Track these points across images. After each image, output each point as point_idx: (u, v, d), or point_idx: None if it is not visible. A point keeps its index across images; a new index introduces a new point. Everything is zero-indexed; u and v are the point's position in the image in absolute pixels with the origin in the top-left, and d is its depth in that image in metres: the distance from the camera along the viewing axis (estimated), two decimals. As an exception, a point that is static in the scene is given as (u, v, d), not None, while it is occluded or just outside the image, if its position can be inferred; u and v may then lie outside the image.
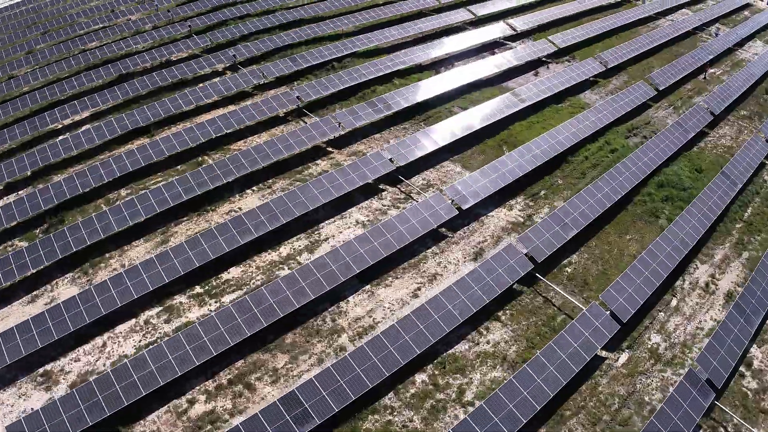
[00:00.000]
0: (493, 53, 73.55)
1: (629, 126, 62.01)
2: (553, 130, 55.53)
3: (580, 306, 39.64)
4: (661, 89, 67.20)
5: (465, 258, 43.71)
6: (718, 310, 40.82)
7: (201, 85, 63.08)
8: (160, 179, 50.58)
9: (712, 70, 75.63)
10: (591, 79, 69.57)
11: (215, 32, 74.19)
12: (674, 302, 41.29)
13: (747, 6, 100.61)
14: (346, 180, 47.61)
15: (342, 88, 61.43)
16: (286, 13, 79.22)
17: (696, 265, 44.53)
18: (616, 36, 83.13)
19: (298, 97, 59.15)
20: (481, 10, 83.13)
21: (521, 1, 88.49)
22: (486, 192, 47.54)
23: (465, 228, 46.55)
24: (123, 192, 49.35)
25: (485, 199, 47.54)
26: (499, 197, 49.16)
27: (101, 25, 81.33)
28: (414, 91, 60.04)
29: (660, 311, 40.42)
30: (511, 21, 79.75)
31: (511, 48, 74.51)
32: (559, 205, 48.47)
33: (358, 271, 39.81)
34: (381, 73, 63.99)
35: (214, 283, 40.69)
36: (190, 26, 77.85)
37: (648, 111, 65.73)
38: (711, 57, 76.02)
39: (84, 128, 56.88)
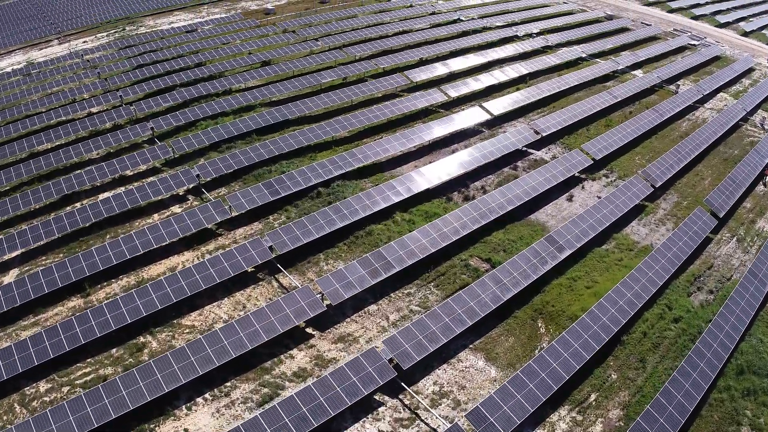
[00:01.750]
0: (515, 168, 62.91)
1: (690, 275, 50.85)
2: (604, 299, 44.13)
3: None
4: (721, 216, 57.35)
5: None
6: None
7: (156, 216, 54.40)
8: (88, 372, 38.98)
9: (769, 175, 66.38)
10: (638, 203, 58.75)
11: (180, 140, 63.97)
12: None
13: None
14: (328, 398, 35.71)
15: (328, 231, 50.13)
16: (266, 114, 68.77)
17: None
18: (655, 136, 74.53)
19: (271, 247, 47.89)
20: (496, 106, 72.91)
21: (538, 94, 78.35)
22: (522, 412, 35.66)
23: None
24: (43, 387, 37.97)
25: (522, 423, 35.61)
26: (537, 414, 37.25)
27: (57, 120, 72.77)
28: (421, 240, 48.69)
29: None
30: (535, 122, 69.48)
31: (535, 159, 64.24)
32: (615, 415, 36.83)
33: None
34: (379, 208, 52.83)
35: None
36: (152, 129, 68.01)
37: (709, 248, 54.99)
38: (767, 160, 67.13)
39: (6, 281, 46.31)
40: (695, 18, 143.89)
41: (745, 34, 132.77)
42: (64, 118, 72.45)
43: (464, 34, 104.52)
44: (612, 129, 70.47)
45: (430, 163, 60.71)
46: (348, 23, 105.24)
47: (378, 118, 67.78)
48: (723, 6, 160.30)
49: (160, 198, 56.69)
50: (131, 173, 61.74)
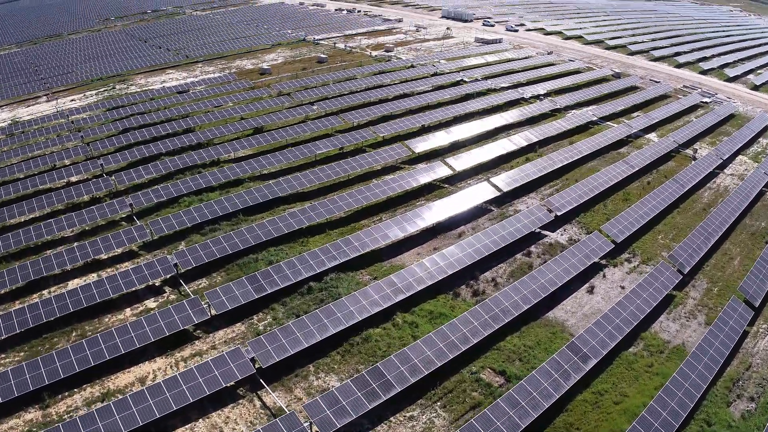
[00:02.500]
0: (528, 254, 57.87)
1: (728, 380, 45.43)
2: (637, 421, 38.38)
3: None
4: (756, 304, 52.45)
5: None
6: None
7: (128, 311, 49.42)
8: None
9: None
10: (666, 294, 53.57)
11: (159, 220, 59.35)
12: None
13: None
14: None
15: (319, 339, 44.62)
16: (255, 191, 64.23)
17: None
18: (677, 210, 70.38)
19: (253, 358, 42.34)
20: (505, 180, 68.43)
21: (550, 165, 74.06)
22: None
23: None
24: None
25: None
26: None
27: (34, 189, 69.05)
28: (426, 353, 43.04)
29: None
30: (549, 199, 64.95)
31: (550, 243, 59.35)
32: None
33: None
34: (377, 309, 47.39)
35: None
36: (131, 205, 63.43)
37: (746, 343, 49.92)
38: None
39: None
40: (703, 72, 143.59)
41: (755, 87, 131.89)
42: (41, 187, 68.93)
43: (468, 96, 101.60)
44: (632, 205, 65.94)
45: (435, 251, 55.86)
46: (346, 86, 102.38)
47: (377, 197, 63.23)
48: (730, 58, 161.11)
49: (133, 289, 51.56)
50: (105, 257, 56.81)
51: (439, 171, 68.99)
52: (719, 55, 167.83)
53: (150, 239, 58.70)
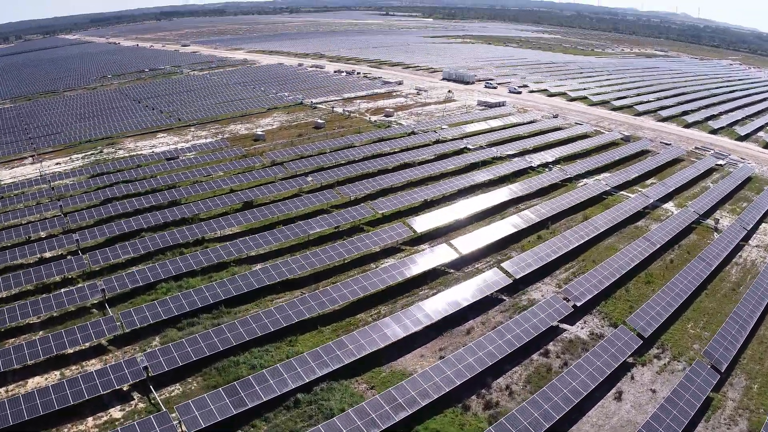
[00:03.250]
0: (546, 354, 51.97)
1: None
2: None
3: None
4: None
5: None
6: None
7: (90, 421, 43.62)
8: None
9: None
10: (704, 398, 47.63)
11: (131, 311, 53.98)
12: None
13: None
14: None
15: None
16: (239, 278, 58.72)
17: None
18: (705, 292, 64.92)
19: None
20: (518, 264, 63.14)
21: (564, 245, 69.01)
22: None
23: None
24: None
25: None
26: None
27: (4, 265, 64.91)
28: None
29: None
30: (566, 287, 59.60)
31: (570, 339, 53.65)
32: None
33: None
34: (377, 430, 41.04)
35: None
36: (104, 290, 58.51)
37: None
38: None
39: None
40: (714, 132, 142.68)
41: (767, 146, 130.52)
42: (11, 263, 64.99)
43: (473, 166, 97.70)
44: (657, 291, 60.67)
45: (440, 351, 50.06)
46: (343, 155, 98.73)
47: (375, 287, 57.70)
48: (738, 115, 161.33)
49: (98, 395, 45.58)
50: (71, 351, 51.19)
51: (443, 254, 63.74)
52: (727, 112, 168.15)
53: (121, 332, 53.09)
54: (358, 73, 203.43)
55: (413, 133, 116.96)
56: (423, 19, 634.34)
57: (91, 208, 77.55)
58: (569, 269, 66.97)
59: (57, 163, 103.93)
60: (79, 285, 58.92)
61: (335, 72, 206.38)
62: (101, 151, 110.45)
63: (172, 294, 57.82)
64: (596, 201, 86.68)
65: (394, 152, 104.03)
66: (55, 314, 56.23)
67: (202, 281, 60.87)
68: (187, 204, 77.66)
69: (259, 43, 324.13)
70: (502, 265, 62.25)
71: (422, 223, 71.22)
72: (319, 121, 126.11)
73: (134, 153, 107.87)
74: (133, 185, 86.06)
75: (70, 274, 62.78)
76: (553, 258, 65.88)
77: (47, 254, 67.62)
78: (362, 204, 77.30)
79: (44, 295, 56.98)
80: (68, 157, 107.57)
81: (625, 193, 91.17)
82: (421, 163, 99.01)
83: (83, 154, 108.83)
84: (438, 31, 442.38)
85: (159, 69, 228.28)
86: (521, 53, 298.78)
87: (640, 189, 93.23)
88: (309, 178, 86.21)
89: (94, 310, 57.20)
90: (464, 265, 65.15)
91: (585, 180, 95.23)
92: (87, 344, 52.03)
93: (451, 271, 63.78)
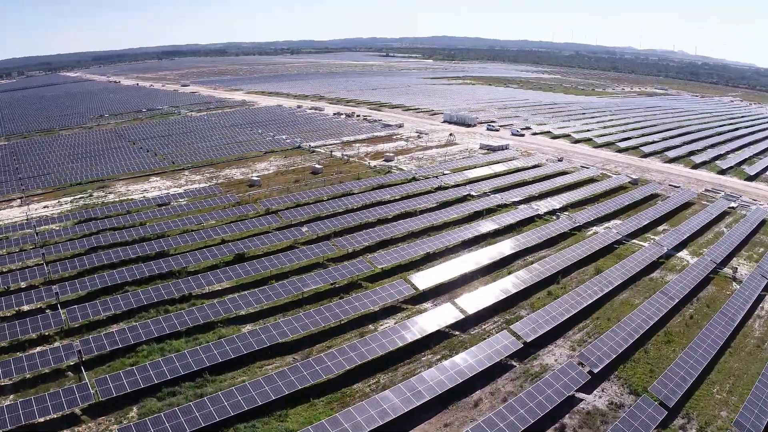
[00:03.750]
0: (563, 431, 47.23)
1: None
2: None
3: None
4: None
5: None
6: None
7: None
8: None
9: None
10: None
11: (107, 378, 49.68)
12: None
13: None
14: None
15: None
16: (226, 342, 54.41)
17: None
18: (728, 350, 60.55)
19: None
20: (528, 325, 58.82)
21: (577, 303, 64.87)
22: None
23: None
24: None
25: None
26: None
27: None
28: None
29: None
30: (581, 350, 55.35)
31: (588, 411, 49.04)
32: None
33: None
34: None
35: None
36: (80, 352, 54.50)
37: None
38: None
39: None
40: (722, 172, 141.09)
41: None
42: None
43: (477, 215, 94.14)
44: (680, 354, 56.25)
45: (446, 428, 45.45)
46: (341, 203, 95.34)
47: (374, 353, 53.17)
48: (745, 153, 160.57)
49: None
50: (42, 421, 46.84)
51: (447, 314, 59.45)
52: (734, 151, 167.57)
53: (96, 401, 48.68)
54: (358, 116, 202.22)
55: (414, 179, 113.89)
56: (423, 60, 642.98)
57: (75, 258, 74.25)
58: (583, 329, 62.67)
59: (45, 207, 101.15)
60: (56, 344, 55.88)
61: (334, 114, 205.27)
62: (91, 195, 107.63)
63: (153, 358, 53.67)
64: (608, 251, 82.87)
65: (395, 200, 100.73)
66: (28, 376, 52.38)
67: (186, 343, 56.65)
68: (176, 256, 73.92)
69: (259, 84, 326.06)
70: (511, 327, 57.91)
71: (424, 279, 67.14)
72: (317, 166, 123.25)
73: (125, 198, 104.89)
74: (120, 233, 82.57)
75: (47, 331, 59.18)
76: (566, 318, 61.63)
77: (25, 307, 64.08)
78: (360, 257, 73.66)
79: (18, 354, 53.82)
80: (57, 200, 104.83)
81: (637, 241, 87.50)
82: (422, 211, 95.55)
83: (72, 198, 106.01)
84: (438, 72, 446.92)
85: (157, 109, 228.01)
86: (522, 94, 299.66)
87: (652, 236, 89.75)
88: (304, 229, 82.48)
89: (70, 373, 53.16)
90: (470, 326, 60.79)
91: (594, 228, 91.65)
92: (59, 413, 47.77)
93: (457, 333, 59.40)
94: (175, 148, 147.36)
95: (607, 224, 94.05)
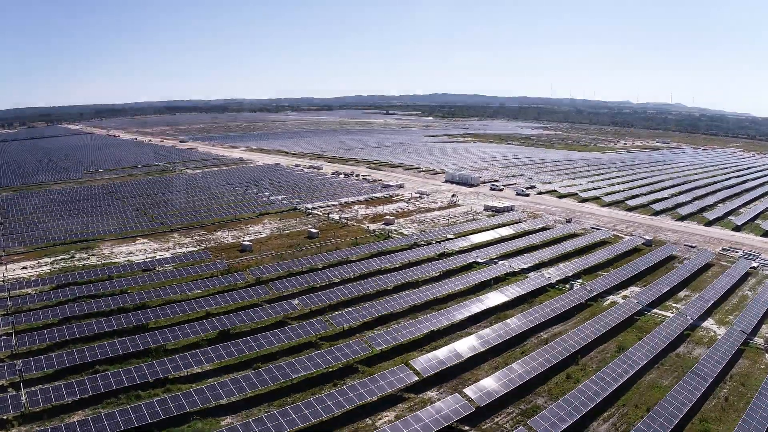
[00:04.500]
0: None
1: None
2: None
3: None
4: None
5: None
6: None
7: None
8: None
9: None
10: None
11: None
12: None
13: None
14: None
15: None
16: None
17: None
18: None
19: None
20: (546, 420, 51.76)
21: (600, 389, 58.06)
22: None
23: None
24: None
25: None
26: None
27: None
28: None
29: None
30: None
31: None
32: None
33: None
34: None
35: None
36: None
37: None
38: None
39: None
40: (737, 228, 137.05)
41: None
42: None
43: (484, 285, 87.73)
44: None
45: None
46: (337, 272, 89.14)
47: (371, 459, 46.35)
48: (759, 207, 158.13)
49: None
50: None
51: (454, 407, 52.24)
52: (745, 204, 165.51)
53: None
54: (357, 175, 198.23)
55: (416, 244, 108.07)
56: (423, 118, 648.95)
57: (44, 329, 68.54)
58: (608, 419, 55.57)
59: (23, 267, 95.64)
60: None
61: (333, 173, 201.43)
62: (73, 257, 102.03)
63: (115, 462, 46.68)
64: (628, 324, 76.40)
65: (395, 269, 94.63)
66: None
67: (156, 443, 49.75)
68: (154, 331, 67.53)
69: (258, 142, 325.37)
70: (528, 422, 50.87)
71: (427, 363, 60.13)
72: (313, 230, 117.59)
73: (108, 261, 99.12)
74: (98, 303, 76.48)
75: (5, 415, 52.84)
76: (590, 408, 54.69)
77: (-13, 383, 57.67)
78: (357, 337, 67.03)
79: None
80: (36, 261, 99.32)
81: (658, 310, 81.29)
82: (425, 281, 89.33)
83: (53, 259, 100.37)
84: (438, 130, 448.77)
85: (152, 165, 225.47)
86: (525, 152, 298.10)
87: (674, 304, 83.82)
88: (296, 302, 75.93)
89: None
90: (481, 420, 53.54)
91: (612, 297, 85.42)
92: None
93: (466, 428, 52.24)
94: (167, 207, 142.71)
95: (624, 292, 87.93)
